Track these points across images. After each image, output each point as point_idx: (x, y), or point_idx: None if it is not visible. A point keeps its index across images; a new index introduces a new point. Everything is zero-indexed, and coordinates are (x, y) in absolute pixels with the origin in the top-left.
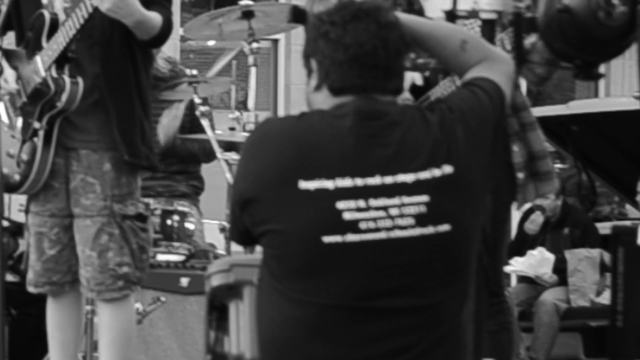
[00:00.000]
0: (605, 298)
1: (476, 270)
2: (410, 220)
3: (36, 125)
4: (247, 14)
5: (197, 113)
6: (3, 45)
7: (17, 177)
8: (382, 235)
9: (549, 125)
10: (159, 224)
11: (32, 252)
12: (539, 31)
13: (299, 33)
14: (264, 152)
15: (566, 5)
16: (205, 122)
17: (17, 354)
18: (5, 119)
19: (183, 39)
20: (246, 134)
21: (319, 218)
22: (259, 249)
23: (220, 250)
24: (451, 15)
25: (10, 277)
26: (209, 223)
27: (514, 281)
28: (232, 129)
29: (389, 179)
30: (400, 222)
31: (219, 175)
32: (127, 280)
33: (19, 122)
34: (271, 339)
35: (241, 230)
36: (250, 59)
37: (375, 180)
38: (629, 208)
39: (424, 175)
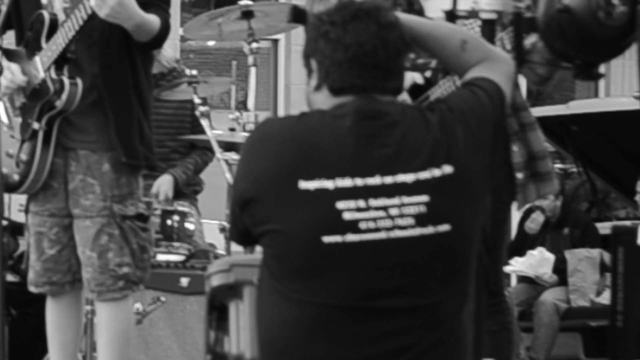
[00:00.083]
0: (605, 298)
1: (476, 270)
2: (410, 220)
3: (35, 125)
4: (247, 14)
5: (197, 113)
6: (3, 45)
7: (16, 177)
8: (382, 235)
9: (549, 125)
10: (159, 224)
11: (32, 252)
12: (539, 31)
13: (299, 33)
14: (264, 152)
15: (566, 5)
16: (205, 122)
17: (17, 354)
18: (4, 119)
19: (183, 39)
20: (246, 134)
21: (319, 218)
22: (259, 249)
23: (220, 250)
24: (451, 15)
25: (10, 277)
26: (209, 223)
27: (514, 281)
28: (232, 129)
29: (388, 179)
30: (400, 222)
31: (219, 175)
32: (128, 280)
33: (18, 122)
34: (271, 339)
35: (241, 230)
36: (250, 59)
37: (375, 180)
38: None
39: (424, 175)
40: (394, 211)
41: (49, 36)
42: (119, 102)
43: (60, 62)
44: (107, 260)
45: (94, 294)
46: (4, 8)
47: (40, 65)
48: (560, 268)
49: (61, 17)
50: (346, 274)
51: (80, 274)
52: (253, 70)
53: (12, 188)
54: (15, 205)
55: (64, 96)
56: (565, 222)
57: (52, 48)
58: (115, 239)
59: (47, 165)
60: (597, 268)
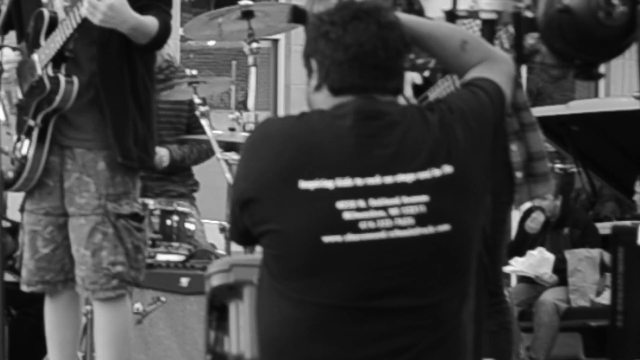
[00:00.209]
0: (605, 298)
1: (476, 270)
2: (410, 220)
3: (31, 122)
4: (247, 14)
5: (197, 113)
6: (4, 44)
7: (10, 174)
8: (381, 235)
9: (549, 125)
10: (158, 224)
11: (25, 251)
12: (539, 31)
13: (299, 33)
14: (264, 152)
15: (566, 5)
16: (205, 122)
17: (17, 354)
18: (1, 116)
19: (183, 39)
20: (246, 134)
21: (319, 218)
22: (259, 249)
23: (220, 250)
24: (451, 15)
25: (10, 277)
26: (209, 223)
27: (514, 281)
28: (232, 129)
29: (388, 179)
30: (400, 222)
31: (219, 175)
32: (122, 279)
33: (15, 119)
34: (271, 339)
35: (241, 230)
36: (250, 59)
37: (375, 180)
38: None
39: (424, 175)
40: (394, 211)
41: (48, 34)
42: (115, 102)
43: (58, 60)
44: (100, 259)
45: (88, 292)
46: (4, 8)
47: (38, 63)
48: (560, 268)
49: (61, 15)
50: (346, 274)
51: (73, 273)
52: (253, 70)
53: (7, 185)
54: (16, 205)
55: (60, 94)
56: (565, 222)
57: (50, 46)
58: (109, 237)
59: (42, 163)
60: (597, 268)
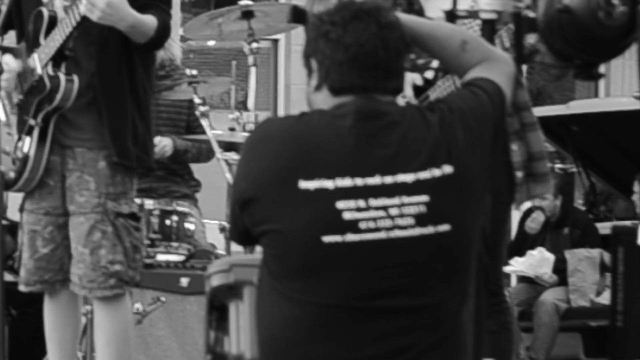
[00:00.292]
0: (605, 298)
1: (476, 270)
2: (410, 220)
3: (31, 122)
4: (247, 14)
5: (197, 113)
6: (3, 44)
7: (12, 175)
8: (381, 235)
9: (549, 125)
10: (157, 224)
11: (24, 250)
12: (539, 31)
13: (299, 33)
14: (264, 152)
15: (566, 5)
16: (205, 122)
17: (17, 354)
18: (2, 116)
19: (183, 39)
20: (246, 134)
21: (319, 218)
22: (259, 249)
23: (220, 250)
24: (451, 15)
25: (10, 277)
26: (209, 223)
27: (514, 281)
28: (232, 129)
29: (388, 179)
30: (400, 222)
31: (219, 175)
32: (120, 278)
33: (15, 119)
34: (271, 339)
35: (241, 230)
36: (250, 59)
37: (375, 180)
38: None
39: (424, 175)
40: (393, 211)
41: (48, 33)
42: (113, 102)
43: (58, 59)
44: (99, 257)
45: (85, 291)
46: (4, 8)
47: (38, 62)
48: (560, 268)
49: (61, 14)
50: (346, 274)
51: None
52: (253, 70)
53: (8, 185)
54: (15, 204)
55: (60, 93)
56: (565, 222)
57: (49, 45)
58: (108, 236)
59: (43, 163)
60: (597, 268)
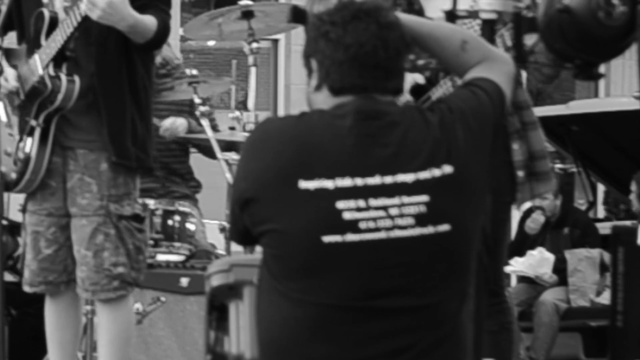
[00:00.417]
0: (605, 298)
1: (476, 270)
2: (410, 220)
3: (33, 123)
4: (247, 14)
5: (197, 113)
6: (4, 45)
7: (14, 176)
8: (381, 235)
9: (549, 125)
10: (160, 224)
11: (28, 252)
12: (539, 31)
13: (299, 33)
14: (264, 152)
15: (566, 5)
16: (205, 122)
17: (17, 354)
18: (3, 117)
19: (183, 39)
20: (246, 134)
21: (319, 218)
22: (259, 249)
23: (220, 250)
24: (451, 15)
25: (10, 277)
26: (209, 223)
27: (514, 281)
28: (232, 128)
29: (388, 179)
30: (400, 222)
31: (219, 175)
32: (123, 280)
33: (17, 120)
34: (271, 339)
35: (241, 230)
36: (250, 59)
37: (375, 180)
38: None
39: (424, 175)
40: (393, 211)
41: (49, 34)
42: (113, 102)
43: (59, 60)
44: (102, 260)
45: (88, 293)
46: (4, 8)
47: (39, 63)
48: (560, 268)
49: (61, 15)
50: (346, 274)
51: (75, 274)
52: (253, 70)
53: (10, 186)
54: (15, 205)
55: (61, 93)
56: (565, 222)
57: (50, 45)
58: (111, 238)
59: (44, 164)
60: (597, 268)
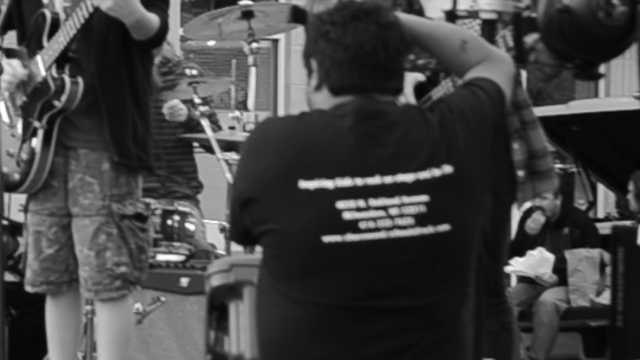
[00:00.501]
0: (605, 298)
1: (476, 270)
2: (410, 220)
3: (36, 124)
4: (247, 14)
5: (197, 113)
6: (4, 45)
7: (16, 176)
8: (381, 235)
9: (549, 125)
10: (159, 224)
11: (30, 251)
12: (539, 31)
13: (299, 33)
14: (264, 152)
15: (566, 5)
16: (205, 122)
17: (17, 354)
18: (5, 118)
19: (183, 39)
20: (246, 134)
21: (319, 218)
22: (259, 249)
23: (220, 250)
24: (451, 15)
25: (10, 277)
26: (209, 223)
27: (514, 281)
28: (232, 128)
29: (388, 179)
30: (400, 222)
31: (219, 175)
32: (125, 280)
33: (19, 121)
34: (271, 339)
35: (241, 230)
36: (250, 59)
37: (375, 180)
38: None
39: (424, 175)
40: (393, 211)
41: (51, 35)
42: (114, 102)
43: (61, 61)
44: (104, 260)
45: (91, 293)
46: (4, 8)
47: (42, 64)
48: (560, 268)
49: (62, 16)
50: (346, 274)
51: (77, 274)
52: (253, 70)
53: (13, 187)
54: (15, 205)
55: (65, 95)
56: (565, 222)
57: (53, 47)
58: (113, 238)
59: (48, 165)
60: (597, 268)
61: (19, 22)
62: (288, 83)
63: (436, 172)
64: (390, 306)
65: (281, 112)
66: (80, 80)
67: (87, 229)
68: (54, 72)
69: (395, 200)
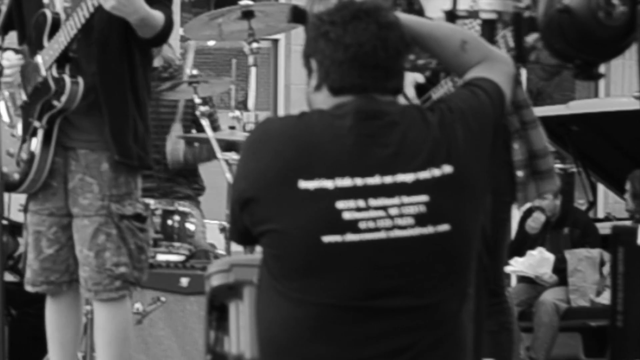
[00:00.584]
0: (605, 298)
1: (476, 270)
2: (410, 220)
3: (36, 124)
4: (247, 14)
5: (197, 113)
6: (4, 45)
7: (16, 176)
8: (381, 235)
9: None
10: (159, 224)
11: (30, 251)
12: (539, 31)
13: (299, 33)
14: (264, 152)
15: (566, 5)
16: (205, 122)
17: (17, 354)
18: (5, 118)
19: (183, 39)
20: (246, 134)
21: (319, 218)
22: (259, 249)
23: (220, 250)
24: (451, 15)
25: (10, 277)
26: (209, 223)
27: (514, 281)
28: (232, 127)
29: (388, 179)
30: (400, 221)
31: (219, 175)
32: (125, 280)
33: (19, 121)
34: (271, 339)
35: (241, 230)
36: (250, 59)
37: (374, 180)
38: None
39: (424, 175)
40: (393, 211)
41: (51, 35)
42: (115, 102)
43: (62, 61)
44: (104, 260)
45: (91, 293)
46: (4, 8)
47: (42, 64)
48: (560, 268)
49: (62, 16)
50: (346, 274)
51: (77, 274)
52: (253, 70)
53: (12, 187)
54: (15, 205)
55: (65, 95)
56: (565, 222)
57: (54, 47)
58: (113, 238)
59: (48, 165)
60: (597, 268)
61: (20, 23)
62: (288, 83)
63: (436, 172)
64: (390, 306)
65: (281, 112)
66: (80, 80)
67: (87, 229)
68: (54, 72)
69: (395, 200)
